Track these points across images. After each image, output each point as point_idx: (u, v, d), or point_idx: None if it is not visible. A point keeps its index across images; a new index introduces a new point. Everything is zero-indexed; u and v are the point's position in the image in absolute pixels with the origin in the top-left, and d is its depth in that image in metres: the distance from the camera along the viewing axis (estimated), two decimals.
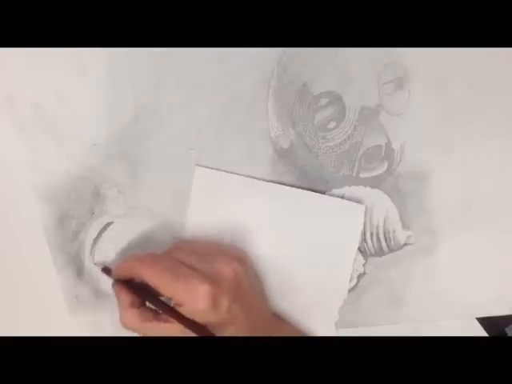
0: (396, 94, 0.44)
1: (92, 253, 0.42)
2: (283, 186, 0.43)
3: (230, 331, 0.37)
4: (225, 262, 0.38)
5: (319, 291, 0.45)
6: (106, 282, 0.42)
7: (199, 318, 0.36)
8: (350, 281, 0.45)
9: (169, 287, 0.36)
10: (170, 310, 0.37)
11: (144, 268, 0.37)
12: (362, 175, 0.45)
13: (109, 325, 0.43)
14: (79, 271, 0.42)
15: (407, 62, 0.43)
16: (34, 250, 0.41)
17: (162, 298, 0.38)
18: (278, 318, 0.44)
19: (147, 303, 0.39)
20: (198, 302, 0.36)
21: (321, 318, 0.45)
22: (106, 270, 0.41)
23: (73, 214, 0.41)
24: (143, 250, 0.42)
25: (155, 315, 0.38)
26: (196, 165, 0.42)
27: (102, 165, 0.41)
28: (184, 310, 0.36)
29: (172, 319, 0.37)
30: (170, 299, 0.37)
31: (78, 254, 0.42)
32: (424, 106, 0.44)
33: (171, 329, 0.37)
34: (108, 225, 0.42)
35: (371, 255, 0.46)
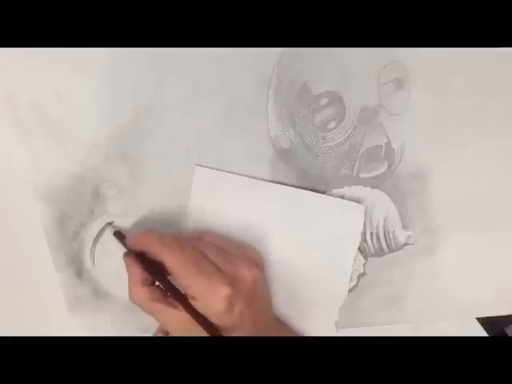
0: (396, 93, 0.44)
1: (92, 253, 0.42)
2: (283, 186, 0.43)
3: (236, 333, 0.37)
4: (246, 267, 0.38)
5: (319, 291, 0.45)
6: (106, 282, 0.42)
7: (210, 317, 0.36)
8: (350, 281, 0.45)
9: (189, 279, 0.36)
10: (182, 299, 0.36)
11: (168, 253, 0.36)
12: (362, 175, 0.45)
13: (109, 325, 0.43)
14: (79, 271, 0.42)
15: (407, 62, 0.43)
16: (34, 249, 0.41)
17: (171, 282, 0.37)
18: (278, 321, 0.44)
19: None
20: (215, 302, 0.36)
21: (321, 318, 0.45)
22: (119, 235, 0.40)
23: (73, 214, 0.41)
24: None
25: (165, 297, 0.37)
26: (196, 165, 0.42)
27: (102, 165, 0.41)
28: (197, 305, 0.36)
29: (181, 307, 0.36)
30: (184, 288, 0.37)
31: (77, 254, 0.42)
32: (424, 106, 0.44)
33: (178, 316, 0.36)
34: (108, 225, 0.42)
35: (371, 255, 0.46)
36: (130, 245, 0.39)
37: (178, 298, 0.36)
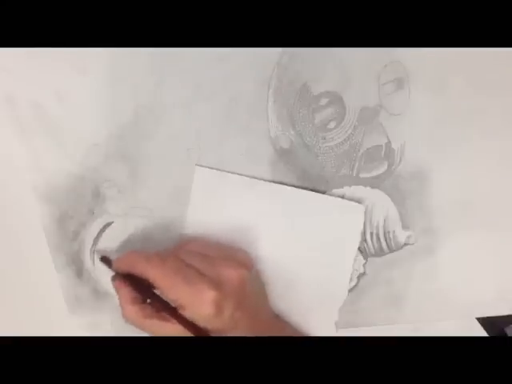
0: (396, 93, 0.44)
1: (92, 253, 0.42)
2: (283, 186, 0.43)
3: (231, 335, 0.37)
4: (231, 268, 0.38)
5: (319, 291, 0.45)
6: (106, 282, 0.42)
7: (201, 323, 0.36)
8: (350, 281, 0.45)
9: (174, 290, 0.36)
10: (172, 311, 0.37)
11: (151, 268, 0.37)
12: (362, 175, 0.45)
13: (109, 325, 0.43)
14: (79, 271, 0.42)
15: (407, 62, 0.43)
16: (34, 250, 0.41)
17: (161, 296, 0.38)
18: (278, 318, 0.44)
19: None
20: (202, 307, 0.36)
21: (321, 317, 0.45)
22: (106, 260, 0.40)
23: (73, 214, 0.41)
24: (143, 249, 0.42)
25: (157, 312, 0.37)
26: (196, 165, 0.42)
27: (102, 165, 0.41)
28: (187, 313, 0.36)
29: (173, 320, 0.37)
30: (172, 300, 0.37)
31: (77, 254, 0.42)
32: (424, 106, 0.44)
33: (172, 328, 0.37)
34: (108, 225, 0.42)
35: (371, 255, 0.46)
36: (116, 267, 0.39)
37: (170, 311, 0.37)
